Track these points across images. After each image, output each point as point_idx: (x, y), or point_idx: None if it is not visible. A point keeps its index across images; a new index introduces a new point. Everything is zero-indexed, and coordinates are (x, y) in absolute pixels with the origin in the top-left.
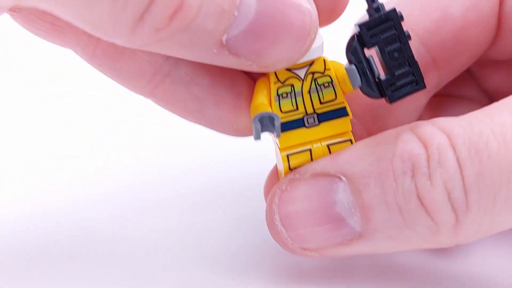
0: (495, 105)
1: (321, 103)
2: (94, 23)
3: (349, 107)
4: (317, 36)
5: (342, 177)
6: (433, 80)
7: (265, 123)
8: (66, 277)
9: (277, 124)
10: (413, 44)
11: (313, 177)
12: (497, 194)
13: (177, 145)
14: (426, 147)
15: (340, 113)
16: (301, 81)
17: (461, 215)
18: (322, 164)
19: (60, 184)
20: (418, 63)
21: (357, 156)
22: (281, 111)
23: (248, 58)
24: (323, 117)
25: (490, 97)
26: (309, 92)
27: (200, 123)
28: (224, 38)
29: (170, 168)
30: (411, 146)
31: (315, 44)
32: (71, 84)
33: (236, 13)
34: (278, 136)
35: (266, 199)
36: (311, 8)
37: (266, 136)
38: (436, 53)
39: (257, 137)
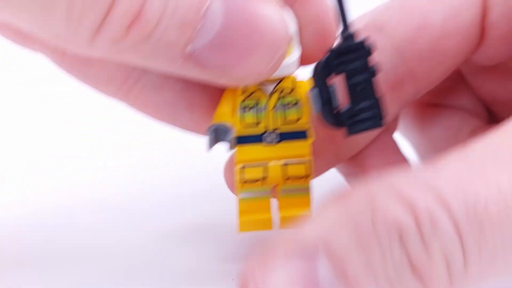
0: (481, 155)
1: (284, 121)
2: (52, 34)
3: None
4: (293, 51)
5: (321, 254)
6: (409, 91)
7: (221, 133)
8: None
9: (230, 137)
10: (389, 53)
11: (289, 258)
12: (495, 262)
13: (173, 146)
14: (412, 210)
15: (302, 135)
16: (268, 96)
17: None
18: (293, 240)
19: (50, 184)
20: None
21: (332, 228)
22: (242, 123)
23: (215, 71)
24: (284, 137)
25: (487, 106)
26: (274, 108)
27: (174, 126)
28: (188, 49)
29: (167, 168)
30: (394, 210)
31: (289, 61)
32: (71, 84)
33: (200, 24)
34: (230, 149)
35: (226, 181)
36: (283, 21)
37: None
38: (413, 64)
39: (209, 148)
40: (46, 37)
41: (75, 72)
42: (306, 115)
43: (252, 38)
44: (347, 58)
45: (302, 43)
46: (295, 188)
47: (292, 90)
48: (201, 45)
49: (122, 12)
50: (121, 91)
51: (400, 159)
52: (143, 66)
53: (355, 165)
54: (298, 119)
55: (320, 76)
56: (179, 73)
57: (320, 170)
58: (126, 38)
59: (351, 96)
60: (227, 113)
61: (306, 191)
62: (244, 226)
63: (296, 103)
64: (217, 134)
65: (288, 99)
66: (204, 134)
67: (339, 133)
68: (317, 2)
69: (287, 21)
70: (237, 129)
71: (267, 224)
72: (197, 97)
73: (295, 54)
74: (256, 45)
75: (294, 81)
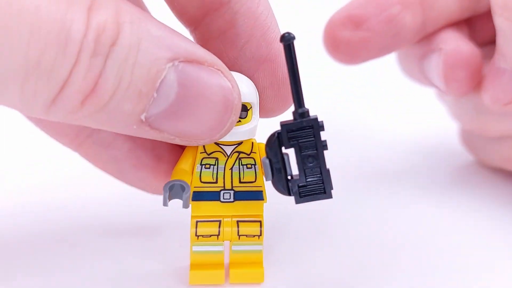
0: None
1: (240, 182)
2: (6, 105)
3: None
4: (253, 118)
5: None
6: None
7: (176, 191)
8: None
9: (185, 196)
10: None
11: None
12: None
13: None
14: None
15: (256, 196)
16: (226, 157)
17: None
18: None
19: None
20: None
21: None
22: (200, 180)
23: (169, 134)
24: (239, 196)
25: None
26: (231, 169)
27: (121, 181)
28: (143, 116)
29: None
30: None
31: (248, 126)
32: None
33: (155, 95)
34: (185, 207)
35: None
36: (234, 88)
37: None
38: None
39: (165, 204)
40: (4, 106)
41: (32, 120)
42: (261, 177)
43: (205, 106)
44: (298, 133)
45: (264, 102)
46: (248, 245)
47: (250, 153)
48: (155, 113)
49: (76, 89)
50: (73, 143)
51: (471, 44)
52: (98, 128)
53: (430, 43)
54: (254, 181)
55: (272, 148)
56: (134, 134)
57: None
58: (81, 109)
59: (300, 168)
60: (186, 171)
61: (258, 249)
62: (195, 279)
63: (253, 166)
64: (174, 191)
65: (246, 161)
66: (148, 191)
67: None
68: (275, 70)
69: (238, 89)
70: (194, 186)
71: (218, 279)
72: (144, 157)
73: (254, 120)
74: (209, 112)
75: (253, 144)
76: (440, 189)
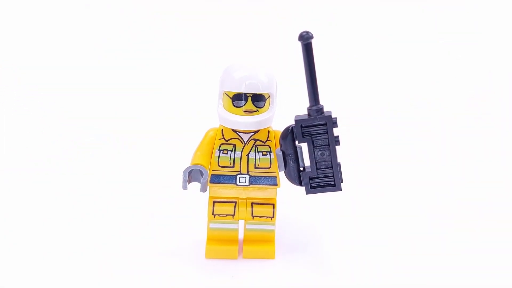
0: None
1: (255, 167)
2: None
3: None
4: (270, 108)
5: None
6: None
7: (195, 175)
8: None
9: (203, 181)
10: None
11: None
12: None
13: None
14: None
15: (271, 181)
16: (243, 144)
17: None
18: None
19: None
20: None
21: None
22: (218, 165)
23: None
24: (254, 180)
25: None
26: (248, 155)
27: None
28: None
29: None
30: None
31: (265, 116)
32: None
33: None
34: (202, 191)
35: None
36: None
37: None
38: None
39: (184, 187)
40: None
41: None
42: (276, 164)
43: None
44: (312, 129)
45: None
46: (261, 224)
47: (266, 141)
48: None
49: None
50: None
51: None
52: None
53: None
54: (269, 167)
55: (286, 141)
56: None
57: None
58: None
59: (313, 161)
60: (204, 155)
61: (271, 229)
62: (211, 253)
63: (268, 153)
64: (193, 175)
65: (262, 148)
66: None
67: None
68: None
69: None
70: (212, 169)
71: (232, 254)
72: None
73: (271, 110)
74: None
75: (269, 132)
76: None
